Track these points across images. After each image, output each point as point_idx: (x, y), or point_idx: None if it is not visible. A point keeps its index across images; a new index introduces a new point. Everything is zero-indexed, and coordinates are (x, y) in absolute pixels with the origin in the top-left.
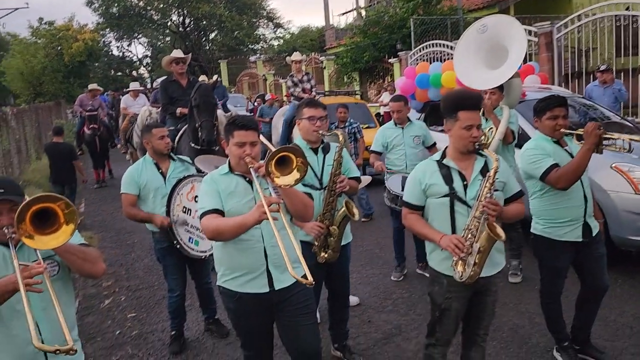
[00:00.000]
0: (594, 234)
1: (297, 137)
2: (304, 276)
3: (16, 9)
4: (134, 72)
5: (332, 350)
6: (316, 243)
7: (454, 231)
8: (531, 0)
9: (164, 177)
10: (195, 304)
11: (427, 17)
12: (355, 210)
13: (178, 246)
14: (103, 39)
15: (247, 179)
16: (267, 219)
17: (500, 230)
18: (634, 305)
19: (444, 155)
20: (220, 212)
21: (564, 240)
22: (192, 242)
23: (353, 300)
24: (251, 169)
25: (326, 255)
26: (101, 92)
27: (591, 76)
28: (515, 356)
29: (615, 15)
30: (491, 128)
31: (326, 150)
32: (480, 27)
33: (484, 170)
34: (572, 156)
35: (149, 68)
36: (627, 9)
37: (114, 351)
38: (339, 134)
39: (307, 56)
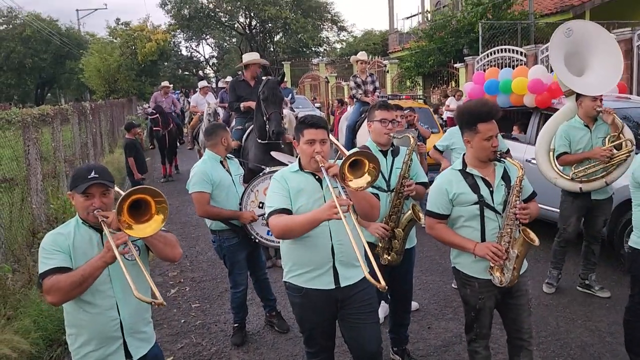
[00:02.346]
0: None
1: (368, 139)
2: (375, 277)
3: (96, 9)
4: (200, 71)
5: (391, 354)
6: (380, 245)
7: (483, 237)
8: (609, 5)
9: (231, 175)
10: (256, 298)
11: (496, 21)
12: (422, 214)
13: (257, 240)
14: (173, 40)
15: (317, 177)
16: (339, 218)
17: (533, 236)
18: None
19: (465, 164)
20: (287, 212)
21: None
22: (271, 234)
23: (413, 305)
24: (322, 168)
25: (389, 258)
26: (172, 90)
27: None
28: None
29: None
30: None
31: (395, 153)
32: (566, 30)
33: (505, 176)
34: None
35: (215, 68)
36: None
37: (179, 338)
38: (410, 136)
39: (371, 59)
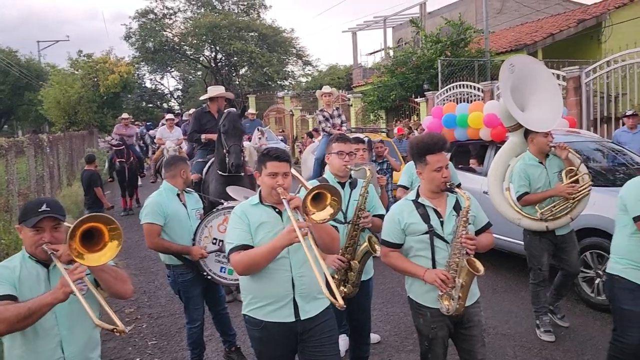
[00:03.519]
0: None
1: (327, 172)
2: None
3: (57, 41)
4: (164, 104)
5: None
6: (336, 276)
7: (434, 266)
8: (559, 44)
9: (186, 208)
10: (215, 334)
11: (454, 58)
12: (377, 247)
13: (209, 277)
14: (137, 72)
15: (277, 210)
16: (298, 241)
17: (479, 265)
18: None
19: (418, 195)
20: (248, 248)
21: None
22: (224, 272)
23: (374, 337)
24: (283, 200)
25: (345, 290)
26: (132, 121)
27: (620, 121)
28: None
29: None
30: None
31: (353, 185)
32: (509, 66)
33: (457, 207)
34: None
35: (180, 101)
36: None
37: None
38: (367, 169)
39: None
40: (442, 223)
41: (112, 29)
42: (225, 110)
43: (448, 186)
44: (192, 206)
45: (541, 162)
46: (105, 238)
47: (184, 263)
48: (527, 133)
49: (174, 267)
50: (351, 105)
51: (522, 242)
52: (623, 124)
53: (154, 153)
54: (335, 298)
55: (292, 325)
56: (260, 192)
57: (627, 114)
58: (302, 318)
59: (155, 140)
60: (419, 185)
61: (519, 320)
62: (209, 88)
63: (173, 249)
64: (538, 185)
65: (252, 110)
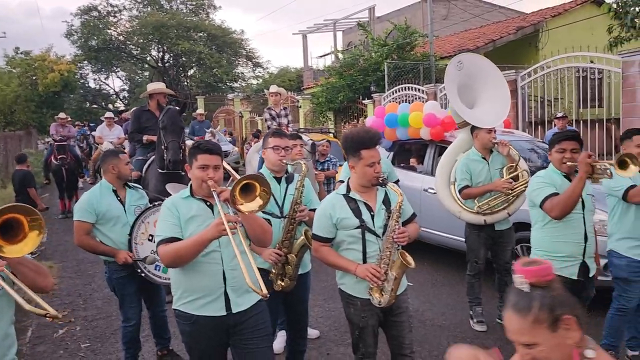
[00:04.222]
0: (590, 275)
1: (263, 167)
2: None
3: None
4: (110, 105)
5: None
6: (274, 270)
7: (365, 259)
8: (499, 50)
9: (123, 205)
10: (150, 334)
11: (400, 61)
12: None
13: (143, 274)
14: (80, 71)
15: (208, 203)
16: (226, 234)
17: (410, 259)
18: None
19: (348, 189)
20: (177, 240)
21: (559, 275)
22: (158, 270)
23: (313, 333)
24: (213, 193)
25: (283, 284)
26: (70, 122)
27: (553, 123)
28: None
29: (578, 68)
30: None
31: (289, 180)
32: (457, 63)
33: (386, 201)
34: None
35: (126, 102)
36: (592, 62)
37: None
38: (303, 163)
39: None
40: (372, 217)
41: (52, 26)
42: (165, 107)
43: (380, 181)
44: (133, 202)
45: (484, 158)
46: (25, 229)
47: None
48: (473, 129)
49: (109, 264)
50: (300, 107)
51: (461, 239)
52: (555, 126)
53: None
54: (259, 288)
55: (224, 319)
56: (191, 185)
57: (557, 115)
58: (233, 311)
59: (95, 140)
60: (349, 179)
61: (455, 312)
62: (148, 85)
63: (99, 250)
64: (479, 179)
65: (200, 110)
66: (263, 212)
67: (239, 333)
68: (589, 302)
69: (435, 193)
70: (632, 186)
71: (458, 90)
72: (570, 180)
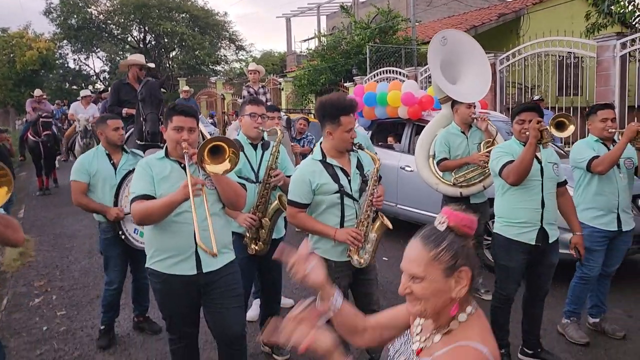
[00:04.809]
0: (550, 241)
1: (239, 133)
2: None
3: None
4: (90, 86)
5: (262, 346)
6: (248, 235)
7: (342, 223)
8: (482, 36)
9: (115, 168)
10: (129, 303)
11: (382, 45)
12: None
13: (123, 237)
14: (59, 51)
15: (182, 164)
16: (196, 195)
17: (387, 221)
18: (549, 311)
19: (324, 155)
20: (150, 198)
21: (518, 240)
22: (137, 233)
23: (288, 302)
24: (185, 155)
25: (257, 247)
26: (45, 99)
27: None
28: None
29: (555, 53)
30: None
31: (265, 146)
32: (441, 39)
33: (359, 166)
34: (539, 161)
35: (107, 83)
36: (570, 53)
37: (38, 345)
38: (279, 129)
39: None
40: (349, 182)
41: (31, 3)
42: (145, 79)
43: (356, 146)
44: (126, 167)
45: (463, 132)
46: None
47: (107, 221)
48: (453, 104)
49: (99, 224)
50: (282, 90)
51: (436, 215)
52: None
53: None
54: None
55: (194, 278)
56: (166, 146)
57: (534, 99)
58: (204, 271)
59: (68, 117)
60: (320, 143)
61: None
62: (128, 57)
63: (91, 207)
64: (457, 153)
65: (186, 87)
66: (238, 176)
67: (210, 293)
68: (553, 269)
69: (412, 171)
70: (595, 157)
71: (441, 65)
72: None
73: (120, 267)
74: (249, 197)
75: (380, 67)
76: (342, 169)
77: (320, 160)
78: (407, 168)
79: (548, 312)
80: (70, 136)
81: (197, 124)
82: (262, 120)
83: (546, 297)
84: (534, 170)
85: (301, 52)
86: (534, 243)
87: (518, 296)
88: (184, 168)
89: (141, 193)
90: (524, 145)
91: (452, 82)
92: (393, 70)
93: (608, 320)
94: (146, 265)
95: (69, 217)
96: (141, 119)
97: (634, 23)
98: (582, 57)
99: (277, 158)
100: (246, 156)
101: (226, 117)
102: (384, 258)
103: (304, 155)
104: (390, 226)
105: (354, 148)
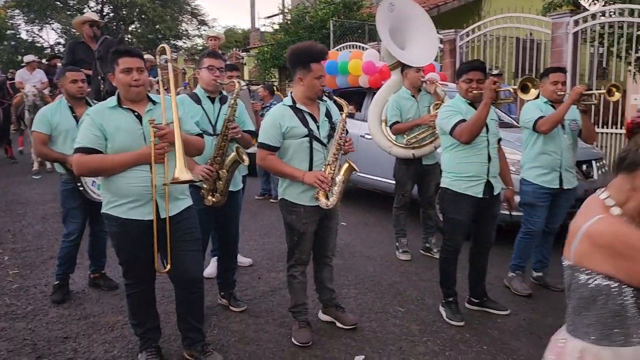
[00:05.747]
0: (494, 193)
1: (197, 87)
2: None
3: None
4: (43, 59)
5: (219, 299)
6: (205, 186)
7: (311, 167)
8: (444, 15)
9: (77, 121)
10: (84, 263)
11: (346, 20)
12: (245, 156)
13: (81, 188)
14: (11, 21)
15: (136, 113)
16: (160, 161)
17: (353, 164)
18: (497, 268)
19: (294, 101)
20: (94, 152)
21: (467, 194)
22: (94, 186)
23: (246, 261)
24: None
25: (214, 199)
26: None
27: None
28: (388, 303)
29: (514, 34)
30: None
31: (223, 100)
32: (389, 5)
33: (328, 114)
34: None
35: (62, 56)
36: (530, 34)
37: None
38: (237, 82)
39: (229, 50)
40: (318, 127)
41: None
42: (102, 37)
43: (325, 94)
44: None
45: (413, 96)
46: None
47: (68, 172)
48: (403, 70)
49: (61, 175)
50: (245, 64)
51: (393, 181)
52: None
53: None
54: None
55: (152, 223)
56: (118, 94)
57: (493, 73)
58: (162, 216)
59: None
60: (292, 92)
61: (383, 247)
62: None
63: (52, 156)
64: (409, 116)
65: (149, 56)
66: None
67: (168, 237)
68: (497, 220)
69: (371, 139)
70: (541, 117)
71: (390, 31)
72: (475, 108)
73: (80, 219)
74: (207, 150)
75: (344, 43)
76: (311, 115)
77: (290, 106)
78: (366, 136)
79: (496, 270)
80: (18, 105)
81: (144, 64)
82: (220, 74)
83: (495, 257)
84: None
85: (264, 25)
86: (481, 196)
87: (464, 252)
88: (139, 117)
89: (87, 146)
90: (469, 104)
91: (401, 48)
92: (356, 45)
93: (550, 274)
94: (102, 211)
95: (22, 185)
96: (99, 77)
97: (587, 4)
98: (539, 41)
99: (235, 111)
100: (204, 109)
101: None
102: (342, 223)
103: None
104: (357, 168)
105: (324, 97)
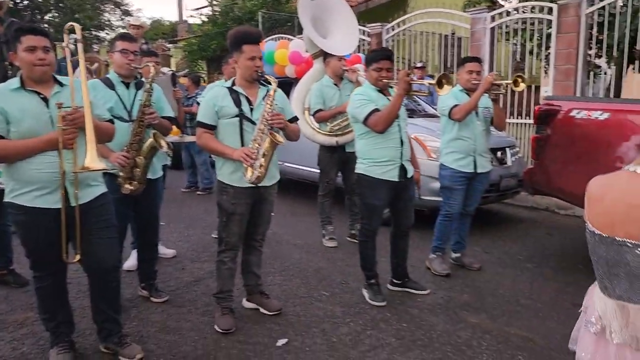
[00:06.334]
0: (408, 176)
1: (110, 72)
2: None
3: None
4: None
5: (139, 290)
6: (121, 174)
7: (242, 146)
8: (373, 10)
9: None
10: None
11: (275, 13)
12: (163, 142)
13: None
14: None
15: (42, 96)
16: (69, 147)
17: (280, 137)
18: (419, 251)
19: (233, 83)
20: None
21: (383, 179)
22: None
23: (169, 252)
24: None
25: (131, 187)
26: None
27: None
28: (313, 287)
29: (441, 35)
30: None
31: (139, 85)
32: None
33: (266, 97)
34: None
35: None
36: (453, 32)
37: None
38: (151, 65)
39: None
40: (252, 110)
41: None
42: (8, 20)
43: (260, 75)
44: None
45: (336, 84)
46: None
47: None
48: (325, 58)
49: None
50: (172, 56)
51: (317, 171)
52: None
53: None
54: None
55: (61, 212)
56: (21, 75)
57: (417, 65)
58: (72, 204)
59: None
60: (234, 78)
61: (310, 235)
62: None
63: None
64: (331, 104)
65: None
66: (111, 115)
67: (81, 226)
68: (413, 201)
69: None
70: (456, 105)
71: (311, 21)
72: (382, 94)
73: None
74: (122, 136)
75: (273, 35)
76: (246, 97)
77: (227, 87)
78: None
79: (418, 252)
80: None
81: (50, 44)
82: (134, 57)
83: (417, 240)
84: None
85: (191, 17)
86: (397, 180)
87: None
88: (45, 99)
89: None
90: (379, 91)
91: (323, 37)
92: (285, 38)
93: (468, 255)
94: (5, 199)
95: None
96: (6, 62)
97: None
98: (460, 36)
99: (151, 96)
100: (118, 94)
101: None
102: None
103: (192, 117)
104: (282, 142)
105: (260, 77)
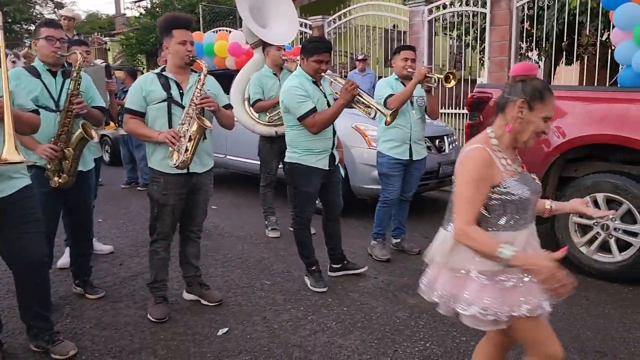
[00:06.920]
0: (335, 163)
1: (35, 60)
2: None
3: None
4: None
5: (74, 288)
6: (49, 167)
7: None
8: (316, 4)
9: None
10: None
11: (216, 5)
12: (94, 132)
13: None
14: None
15: None
16: None
17: (207, 123)
18: (361, 239)
19: (164, 69)
20: None
21: (316, 167)
22: None
23: (106, 248)
24: None
25: (61, 180)
26: None
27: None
28: (255, 277)
29: (384, 28)
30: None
31: (67, 74)
32: None
33: (197, 82)
34: (325, 95)
35: None
36: (394, 26)
37: None
38: (78, 53)
39: (90, 36)
40: (181, 95)
41: None
42: None
43: (191, 59)
44: None
45: (275, 74)
46: None
47: None
48: (264, 48)
49: None
50: (109, 50)
51: (258, 162)
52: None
53: None
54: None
55: None
56: None
57: (358, 58)
58: None
59: None
60: (164, 66)
61: (253, 226)
62: None
63: None
64: (271, 94)
65: None
66: (37, 105)
67: (3, 220)
68: (340, 184)
69: (236, 120)
70: (391, 95)
71: (250, 10)
72: (316, 85)
73: None
74: (49, 127)
75: (215, 27)
76: (176, 82)
77: (156, 73)
78: (235, 119)
79: (360, 240)
80: None
81: None
82: (60, 45)
83: (359, 229)
84: (325, 105)
85: (129, 9)
86: (327, 168)
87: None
88: None
89: None
90: (314, 82)
91: (262, 27)
92: (227, 31)
93: (407, 241)
94: None
95: None
96: None
97: None
98: (400, 30)
99: (78, 84)
100: (44, 83)
101: None
102: (213, 207)
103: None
104: (209, 126)
105: (190, 60)
